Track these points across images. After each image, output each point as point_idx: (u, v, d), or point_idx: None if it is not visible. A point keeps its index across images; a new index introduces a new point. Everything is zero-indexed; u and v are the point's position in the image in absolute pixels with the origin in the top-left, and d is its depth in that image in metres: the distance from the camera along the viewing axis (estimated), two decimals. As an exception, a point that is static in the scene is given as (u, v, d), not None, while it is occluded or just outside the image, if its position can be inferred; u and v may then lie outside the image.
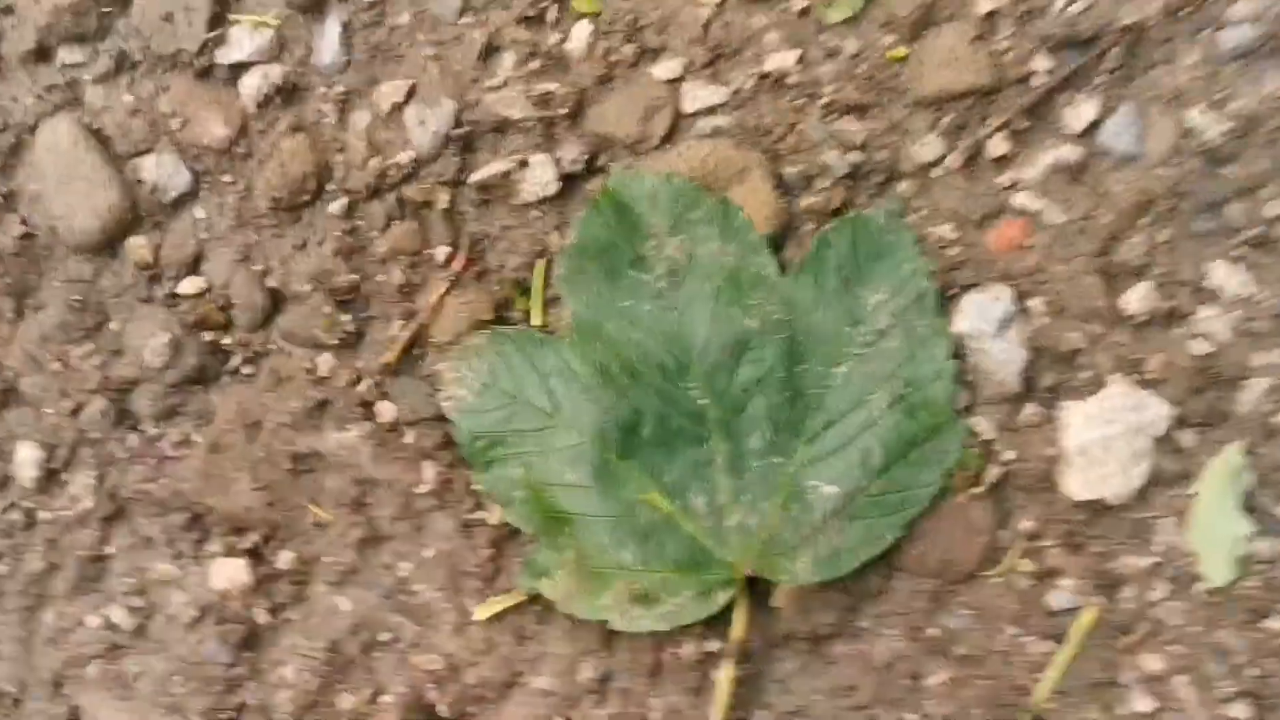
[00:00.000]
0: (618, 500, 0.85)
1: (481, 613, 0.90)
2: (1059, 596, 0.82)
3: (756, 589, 0.85)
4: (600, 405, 0.86)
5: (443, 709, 0.89)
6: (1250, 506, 0.79)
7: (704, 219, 0.85)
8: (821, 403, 0.83)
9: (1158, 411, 0.80)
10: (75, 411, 0.99)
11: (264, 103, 0.94)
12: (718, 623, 0.85)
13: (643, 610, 0.83)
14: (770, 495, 0.84)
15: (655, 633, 0.85)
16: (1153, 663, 0.80)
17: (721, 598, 0.83)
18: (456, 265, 0.93)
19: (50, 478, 0.99)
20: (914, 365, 0.82)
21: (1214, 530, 0.79)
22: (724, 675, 0.84)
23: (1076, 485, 0.81)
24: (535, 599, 0.89)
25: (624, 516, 0.85)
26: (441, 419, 0.92)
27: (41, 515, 0.98)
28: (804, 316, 0.84)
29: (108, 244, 0.97)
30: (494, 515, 0.91)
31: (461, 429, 0.89)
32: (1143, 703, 0.80)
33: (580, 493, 0.86)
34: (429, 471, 0.93)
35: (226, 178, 0.95)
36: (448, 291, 0.93)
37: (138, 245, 0.97)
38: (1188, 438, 0.80)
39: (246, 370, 0.98)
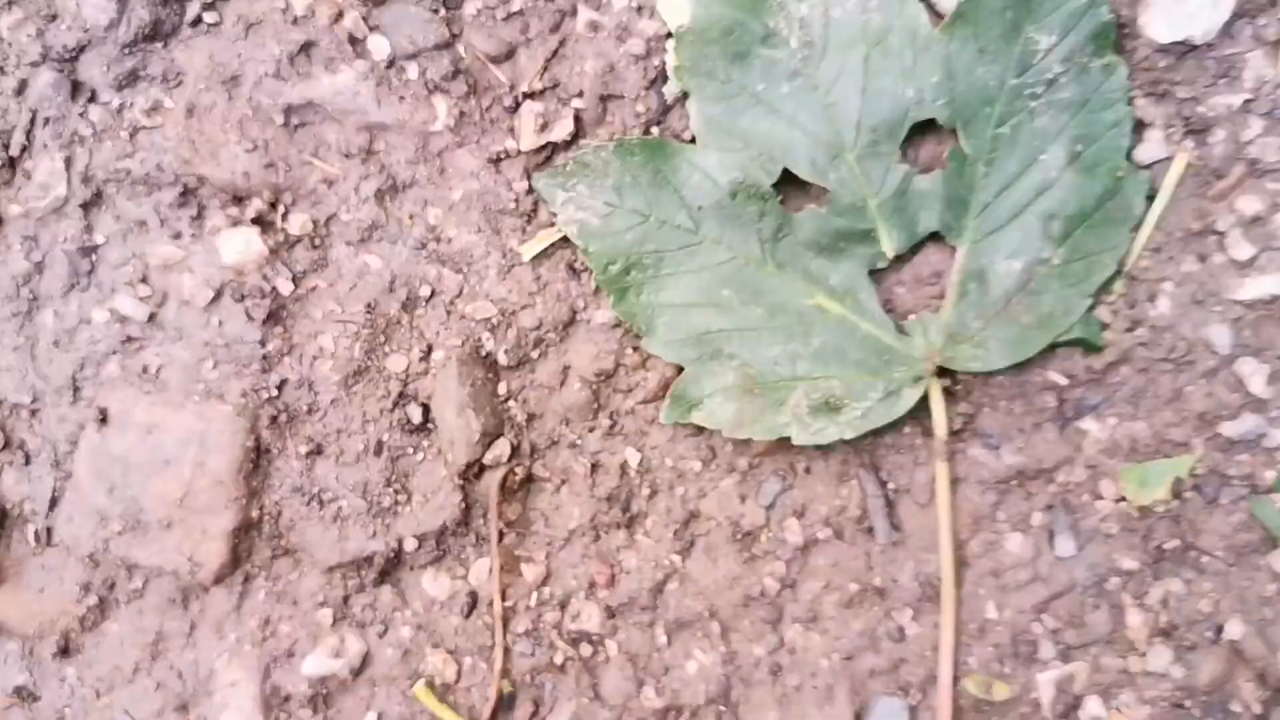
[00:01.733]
0: (784, 311, 0.78)
1: (528, 251, 0.84)
2: (1148, 149, 0.79)
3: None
4: (746, 214, 0.78)
5: (502, 357, 0.84)
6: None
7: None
8: (991, 169, 0.76)
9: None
10: (20, 90, 0.86)
11: None
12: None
13: (826, 420, 0.78)
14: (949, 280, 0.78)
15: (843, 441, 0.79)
16: (1250, 204, 0.79)
17: (911, 395, 0.78)
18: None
19: (11, 167, 0.87)
20: (1087, 114, 0.75)
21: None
22: (941, 478, 0.80)
23: (1161, 28, 0.77)
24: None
25: (794, 326, 0.78)
26: (446, 45, 0.83)
27: (11, 210, 0.87)
28: (964, 75, 0.76)
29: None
30: (524, 140, 0.83)
31: (593, 255, 0.80)
32: (1240, 249, 0.79)
33: (739, 309, 0.78)
34: (441, 106, 0.84)
35: None
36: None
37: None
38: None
39: (209, 18, 0.85)
